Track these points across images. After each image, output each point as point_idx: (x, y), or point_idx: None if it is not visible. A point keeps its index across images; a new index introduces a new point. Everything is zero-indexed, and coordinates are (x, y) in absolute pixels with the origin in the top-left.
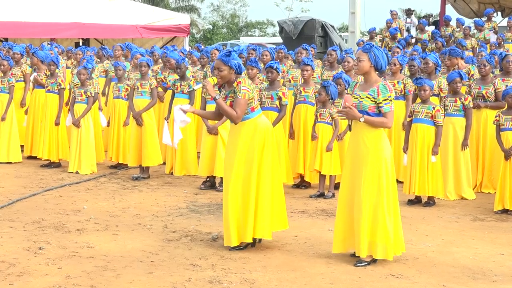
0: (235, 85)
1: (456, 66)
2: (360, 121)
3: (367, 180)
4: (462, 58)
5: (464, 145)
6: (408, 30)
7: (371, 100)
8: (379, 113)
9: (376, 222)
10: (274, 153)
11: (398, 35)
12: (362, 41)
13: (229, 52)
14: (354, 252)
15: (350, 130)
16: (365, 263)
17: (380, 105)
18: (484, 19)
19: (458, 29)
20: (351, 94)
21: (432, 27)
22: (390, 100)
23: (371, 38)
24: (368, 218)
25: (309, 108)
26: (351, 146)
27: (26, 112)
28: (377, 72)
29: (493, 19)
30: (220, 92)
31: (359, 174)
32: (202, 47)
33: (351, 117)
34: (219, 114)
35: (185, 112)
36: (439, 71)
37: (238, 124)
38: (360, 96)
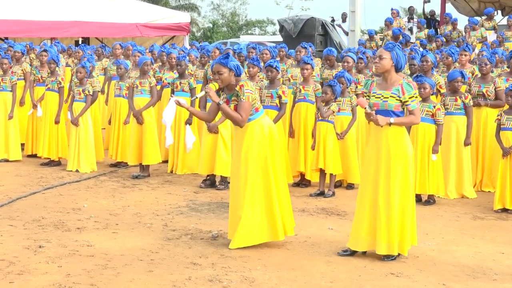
0: (238, 88)
1: (456, 64)
2: (390, 123)
3: (395, 178)
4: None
5: (467, 143)
6: (410, 30)
7: (396, 99)
8: (403, 111)
9: (406, 220)
10: (281, 151)
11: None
12: (363, 42)
13: (227, 54)
14: (354, 251)
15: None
16: (392, 258)
17: (407, 103)
18: (484, 17)
19: (452, 28)
20: (367, 93)
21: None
22: (416, 97)
23: (371, 38)
24: (398, 217)
25: (309, 106)
26: (373, 144)
27: (35, 106)
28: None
29: (493, 18)
30: (220, 96)
31: (386, 172)
32: (199, 45)
33: (383, 123)
34: (212, 115)
35: (180, 105)
36: (434, 70)
37: (246, 126)
38: (383, 96)
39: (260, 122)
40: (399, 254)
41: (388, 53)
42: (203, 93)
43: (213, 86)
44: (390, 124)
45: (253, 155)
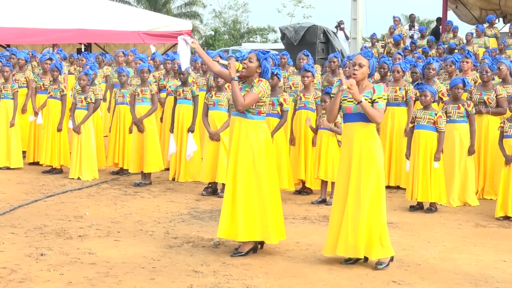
0: (256, 81)
1: (458, 72)
2: (360, 101)
3: (367, 182)
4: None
5: (471, 151)
6: (411, 37)
7: (369, 101)
8: None
9: (374, 223)
10: (274, 161)
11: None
12: (365, 47)
13: (267, 53)
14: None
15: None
16: (385, 264)
17: (375, 101)
18: (486, 25)
19: (453, 35)
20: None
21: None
22: (385, 99)
23: (372, 44)
24: (367, 219)
25: (309, 114)
26: (344, 148)
27: (36, 113)
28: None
29: (494, 25)
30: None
31: (357, 175)
32: None
33: (354, 93)
34: (219, 71)
35: (187, 44)
36: (436, 77)
37: (242, 120)
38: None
39: (259, 125)
40: (392, 259)
41: (367, 61)
42: (226, 62)
43: (237, 65)
44: (360, 102)
45: (243, 154)
